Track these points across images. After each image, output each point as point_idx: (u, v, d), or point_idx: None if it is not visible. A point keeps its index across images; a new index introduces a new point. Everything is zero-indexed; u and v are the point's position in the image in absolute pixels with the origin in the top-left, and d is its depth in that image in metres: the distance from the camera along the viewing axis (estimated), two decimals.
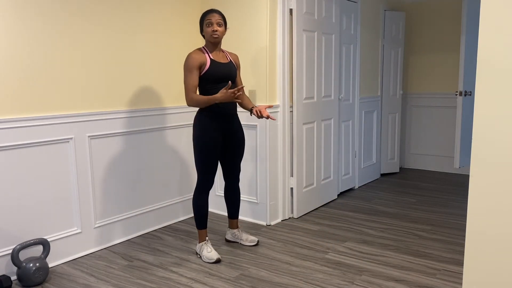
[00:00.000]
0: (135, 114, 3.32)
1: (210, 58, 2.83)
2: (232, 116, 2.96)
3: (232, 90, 2.70)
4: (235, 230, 3.25)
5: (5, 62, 2.59)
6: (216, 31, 2.79)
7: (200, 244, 3.00)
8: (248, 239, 3.21)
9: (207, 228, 3.06)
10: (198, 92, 2.92)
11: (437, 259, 2.93)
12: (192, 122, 3.37)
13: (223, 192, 3.24)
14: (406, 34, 5.53)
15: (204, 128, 2.85)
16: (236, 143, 3.03)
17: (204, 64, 2.80)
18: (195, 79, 2.80)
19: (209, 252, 2.93)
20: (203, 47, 2.88)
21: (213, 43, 2.85)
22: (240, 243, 3.23)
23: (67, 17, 2.86)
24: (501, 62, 1.67)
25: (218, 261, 2.91)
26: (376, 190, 4.72)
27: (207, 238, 3.01)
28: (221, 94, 2.71)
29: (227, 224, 3.61)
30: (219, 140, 2.90)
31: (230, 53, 3.02)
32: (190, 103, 2.82)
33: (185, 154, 3.80)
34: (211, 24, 2.79)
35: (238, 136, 3.03)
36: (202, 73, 2.81)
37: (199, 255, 3.01)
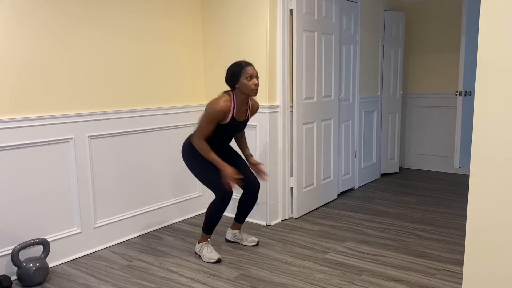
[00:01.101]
0: (135, 114, 3.32)
1: (233, 116, 2.82)
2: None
3: (236, 177, 2.76)
4: (236, 231, 3.25)
5: (5, 62, 2.59)
6: (258, 84, 2.80)
7: (201, 244, 3.00)
8: (248, 239, 3.21)
9: None
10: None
11: (437, 259, 2.93)
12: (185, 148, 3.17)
13: (239, 196, 3.16)
14: (406, 34, 5.52)
15: (196, 154, 2.89)
16: (230, 152, 3.07)
17: (226, 118, 2.80)
18: (211, 128, 2.79)
19: (209, 252, 2.93)
20: (233, 95, 2.83)
21: (248, 96, 2.84)
22: (240, 243, 3.23)
23: (67, 17, 2.86)
24: (501, 62, 1.67)
25: (218, 261, 2.91)
26: (376, 190, 4.72)
27: (209, 239, 3.01)
28: (227, 170, 2.75)
29: (228, 224, 3.61)
30: None
31: (253, 104, 2.99)
32: (197, 144, 2.79)
33: None
34: (252, 77, 2.77)
35: (231, 151, 3.08)
36: (218, 123, 2.82)
37: (198, 254, 3.01)
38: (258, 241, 3.22)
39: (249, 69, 2.76)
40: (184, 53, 3.70)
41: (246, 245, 3.19)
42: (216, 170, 2.84)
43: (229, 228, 3.29)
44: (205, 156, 2.80)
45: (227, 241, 3.29)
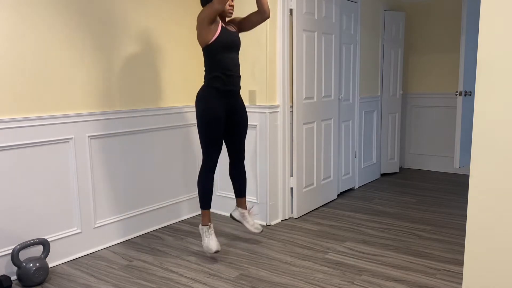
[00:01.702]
0: (135, 114, 3.32)
1: (222, 25, 2.80)
2: (236, 93, 2.96)
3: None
4: (245, 211, 3.17)
5: (5, 62, 2.58)
6: (233, 6, 2.80)
7: (203, 227, 2.97)
8: (254, 225, 3.15)
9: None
10: (206, 63, 2.87)
11: (437, 259, 2.93)
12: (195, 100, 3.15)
13: (228, 171, 3.17)
14: (406, 34, 5.52)
15: (207, 104, 2.84)
16: (239, 118, 3.00)
17: (216, 28, 2.76)
18: (210, 28, 2.73)
19: (210, 239, 2.91)
20: None
21: (224, 18, 2.84)
22: (244, 225, 3.17)
23: (67, 17, 2.86)
24: (501, 62, 1.67)
25: (216, 252, 2.89)
26: (376, 190, 4.72)
27: (210, 223, 2.96)
28: None
29: (229, 223, 3.61)
30: (222, 115, 2.88)
31: (231, 23, 2.98)
32: (200, 16, 2.72)
33: (185, 154, 3.79)
34: None
35: (241, 112, 3.01)
36: (213, 40, 2.76)
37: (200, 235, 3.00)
38: (262, 230, 3.17)
39: None
40: (184, 54, 3.70)
41: (249, 231, 3.16)
42: (215, 131, 2.85)
43: (237, 207, 3.21)
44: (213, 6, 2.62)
45: (232, 218, 3.22)
